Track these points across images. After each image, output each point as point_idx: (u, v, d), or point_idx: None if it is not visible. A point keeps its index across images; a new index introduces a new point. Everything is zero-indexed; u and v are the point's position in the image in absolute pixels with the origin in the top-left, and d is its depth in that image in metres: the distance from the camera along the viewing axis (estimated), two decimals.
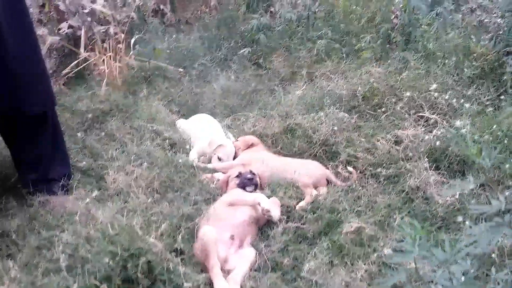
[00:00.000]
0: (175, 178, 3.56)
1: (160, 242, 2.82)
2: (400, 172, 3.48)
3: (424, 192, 3.27)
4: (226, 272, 2.81)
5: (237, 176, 3.54)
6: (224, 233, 2.97)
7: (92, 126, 4.33)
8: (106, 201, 3.35)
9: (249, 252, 2.96)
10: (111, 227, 2.83)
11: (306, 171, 3.61)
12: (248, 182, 3.47)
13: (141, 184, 3.39)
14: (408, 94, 4.24)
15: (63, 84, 5.18)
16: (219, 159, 4.02)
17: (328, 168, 3.74)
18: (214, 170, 3.90)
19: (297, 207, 3.31)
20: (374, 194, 3.38)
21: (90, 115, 4.38)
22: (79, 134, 4.09)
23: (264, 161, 3.75)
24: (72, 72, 5.10)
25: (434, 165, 3.50)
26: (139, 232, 2.74)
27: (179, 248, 2.89)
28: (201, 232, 2.91)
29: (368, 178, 3.59)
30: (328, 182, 3.66)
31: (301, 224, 3.12)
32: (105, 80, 4.79)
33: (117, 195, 3.37)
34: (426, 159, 3.47)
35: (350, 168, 3.70)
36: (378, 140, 3.82)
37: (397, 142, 3.79)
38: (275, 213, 3.18)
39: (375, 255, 2.67)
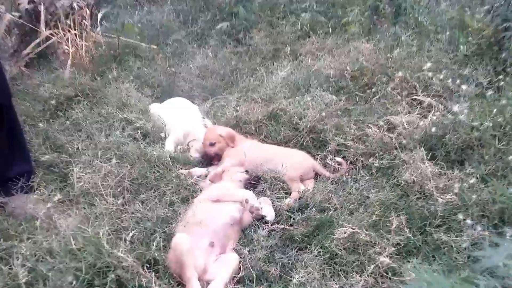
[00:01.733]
0: (149, 175, 3.22)
1: (131, 254, 2.51)
2: (394, 163, 3.21)
3: (420, 186, 3.00)
4: (206, 283, 2.54)
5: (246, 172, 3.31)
6: (203, 240, 2.67)
7: (55, 115, 3.92)
8: (71, 204, 3.01)
9: (231, 258, 2.67)
10: (75, 240, 2.51)
11: (292, 162, 3.30)
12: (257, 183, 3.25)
13: (110, 183, 3.05)
14: (400, 74, 3.94)
15: (25, 66, 4.69)
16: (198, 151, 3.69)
17: (316, 159, 3.45)
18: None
19: (283, 204, 3.03)
20: (367, 188, 3.10)
21: (53, 102, 3.96)
22: (41, 125, 3.69)
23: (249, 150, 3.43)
24: (34, 52, 4.61)
25: (430, 154, 3.22)
26: (105, 245, 2.42)
27: (153, 258, 2.59)
28: (173, 241, 2.60)
29: (359, 170, 3.31)
30: (316, 174, 3.38)
31: (289, 225, 2.84)
32: (69, 61, 4.34)
33: (83, 196, 3.02)
34: (422, 149, 3.18)
35: (339, 159, 3.40)
36: (370, 127, 3.52)
37: (389, 129, 3.50)
38: (270, 213, 2.92)
39: (372, 266, 2.41)
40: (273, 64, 4.61)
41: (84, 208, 2.90)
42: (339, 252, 2.56)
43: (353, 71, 4.14)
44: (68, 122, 3.77)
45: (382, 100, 3.86)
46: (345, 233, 2.53)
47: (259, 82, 4.29)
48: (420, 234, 2.73)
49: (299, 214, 2.87)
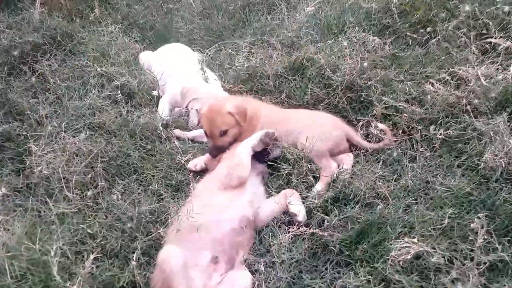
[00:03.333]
0: (131, 153, 2.41)
1: (97, 280, 1.77)
2: (465, 134, 2.34)
3: (506, 170, 2.13)
4: None
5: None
6: (202, 254, 1.91)
7: (17, 69, 3.08)
8: (27, 194, 2.24)
9: (241, 279, 1.92)
10: (18, 261, 1.76)
11: (318, 131, 2.42)
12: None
13: (77, 167, 2.25)
14: (466, 8, 2.93)
15: None
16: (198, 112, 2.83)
17: (355, 127, 2.57)
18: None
19: (311, 195, 2.21)
20: (428, 171, 2.25)
21: (16, 53, 3.10)
22: None
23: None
24: None
25: None
26: (55, 274, 1.66)
27: (131, 282, 1.84)
28: (160, 256, 1.83)
29: (416, 143, 2.43)
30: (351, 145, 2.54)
31: (321, 230, 2.02)
32: None
33: (42, 186, 2.24)
34: (505, 114, 2.28)
35: (382, 125, 2.52)
36: (429, 82, 2.60)
37: (456, 85, 2.58)
38: (301, 211, 2.12)
39: None
40: None
41: (40, 204, 2.12)
42: (397, 277, 1.75)
43: (402, 4, 3.18)
44: (33, 79, 2.94)
45: (443, 43, 2.89)
46: (408, 253, 1.70)
47: (278, 21, 3.37)
48: (508, 242, 1.90)
49: (334, 212, 2.04)
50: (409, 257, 1.70)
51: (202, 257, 1.91)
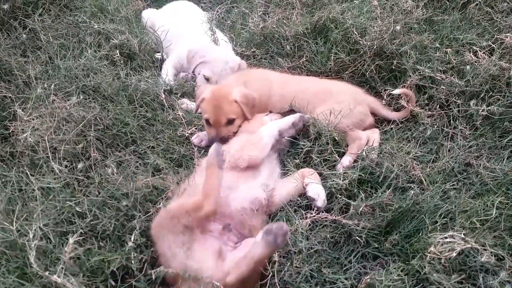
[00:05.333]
0: (129, 121, 2.12)
1: (85, 265, 1.51)
2: (511, 112, 2.02)
3: None
4: None
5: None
6: (212, 224, 1.65)
7: (7, 24, 2.77)
8: (11, 165, 1.98)
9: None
10: None
11: (338, 107, 2.08)
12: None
13: (66, 135, 1.97)
14: None
15: None
16: (206, 79, 2.52)
17: (386, 100, 2.26)
18: None
19: (338, 166, 1.97)
20: (469, 152, 1.95)
21: (6, 6, 2.79)
22: None
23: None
24: None
25: None
26: (32, 260, 1.40)
27: (122, 267, 1.59)
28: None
29: (454, 120, 2.12)
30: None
31: (344, 217, 1.74)
32: None
33: (27, 154, 1.97)
34: None
35: (399, 90, 2.20)
36: (471, 50, 2.26)
37: (501, 55, 2.25)
38: (320, 194, 1.84)
39: None
40: None
41: (23, 176, 1.85)
42: (436, 277, 1.47)
43: None
44: (24, 36, 2.64)
45: (484, 7, 2.54)
46: (452, 249, 1.42)
47: None
48: None
49: (361, 197, 1.75)
50: (454, 254, 1.42)
51: (213, 226, 1.65)
